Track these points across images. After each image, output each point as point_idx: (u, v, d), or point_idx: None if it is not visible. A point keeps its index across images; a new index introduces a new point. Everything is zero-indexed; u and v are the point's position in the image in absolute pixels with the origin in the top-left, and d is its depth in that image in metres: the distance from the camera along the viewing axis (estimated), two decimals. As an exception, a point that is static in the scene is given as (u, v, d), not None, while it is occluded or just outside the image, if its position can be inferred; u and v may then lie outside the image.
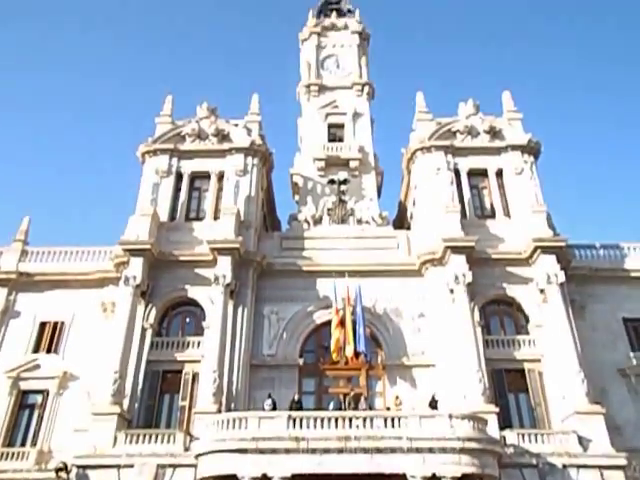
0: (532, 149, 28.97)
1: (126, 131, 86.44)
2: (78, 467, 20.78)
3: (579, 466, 20.14)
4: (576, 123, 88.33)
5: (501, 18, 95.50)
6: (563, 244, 24.92)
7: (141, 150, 29.84)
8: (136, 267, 24.86)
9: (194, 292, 25.44)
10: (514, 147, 28.98)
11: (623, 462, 20.19)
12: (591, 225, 76.06)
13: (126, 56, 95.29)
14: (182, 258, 25.90)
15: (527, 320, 24.72)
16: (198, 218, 28.21)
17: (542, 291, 24.40)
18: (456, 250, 24.93)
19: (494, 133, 29.74)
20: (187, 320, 25.87)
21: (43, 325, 26.17)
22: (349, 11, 42.81)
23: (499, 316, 25.31)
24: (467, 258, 24.74)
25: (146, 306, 25.10)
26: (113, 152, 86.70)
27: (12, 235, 28.78)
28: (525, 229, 25.94)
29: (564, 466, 20.10)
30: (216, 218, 27.59)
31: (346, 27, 39.95)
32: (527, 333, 24.48)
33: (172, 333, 25.40)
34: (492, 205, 28.13)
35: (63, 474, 20.90)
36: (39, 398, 24.59)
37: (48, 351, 25.58)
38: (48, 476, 21.45)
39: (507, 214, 27.53)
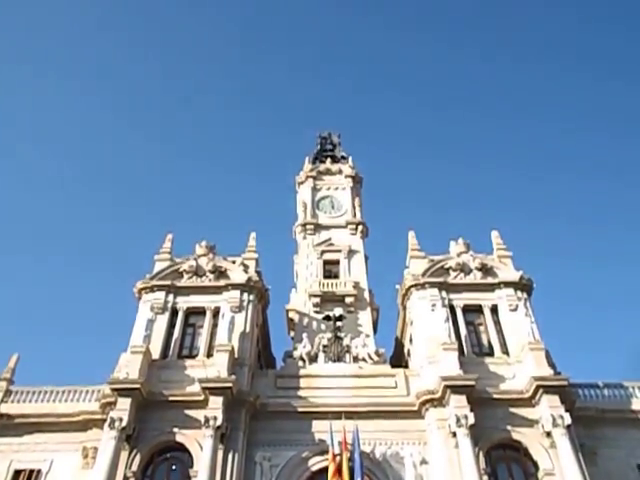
0: (525, 286, 29.43)
1: (120, 268, 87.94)
2: None
3: None
4: (570, 257, 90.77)
5: (488, 151, 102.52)
6: (565, 383, 24.23)
7: (138, 286, 30.12)
8: (123, 408, 23.71)
9: (182, 436, 24.03)
10: (507, 284, 29.45)
11: None
12: (591, 361, 74.74)
13: (125, 195, 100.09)
14: (172, 398, 24.85)
15: (536, 467, 23.16)
16: (191, 355, 27.61)
17: (549, 434, 23.19)
18: (456, 390, 24.14)
19: (486, 270, 30.43)
20: (173, 467, 24.07)
21: (17, 474, 24.24)
22: (343, 157, 46.20)
23: (506, 463, 23.72)
24: (468, 398, 23.87)
25: (130, 451, 23.54)
26: (107, 289, 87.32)
27: (-2, 372, 27.93)
28: (524, 367, 25.40)
29: None
30: (209, 355, 27.03)
31: (340, 172, 42.73)
32: (538, 484, 22.81)
33: (156, 483, 23.53)
34: (489, 342, 27.84)
35: None
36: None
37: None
38: None
39: (505, 351, 27.13)
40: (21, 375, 28.55)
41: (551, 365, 25.32)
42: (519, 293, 29.13)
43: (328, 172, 42.86)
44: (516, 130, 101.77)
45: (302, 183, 42.63)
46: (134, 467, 23.21)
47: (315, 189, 41.36)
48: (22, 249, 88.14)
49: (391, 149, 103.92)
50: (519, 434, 23.74)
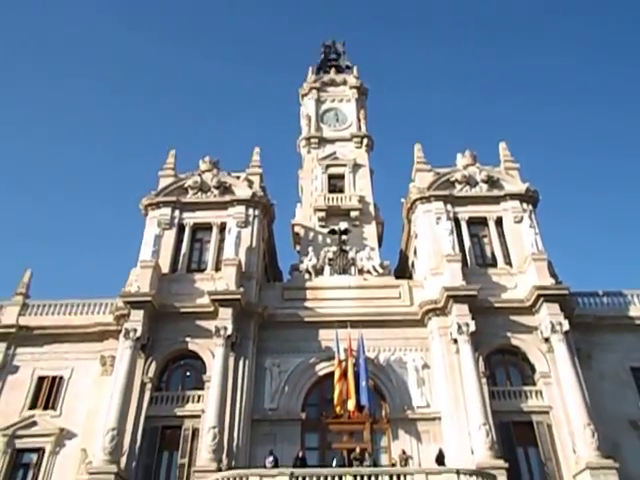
0: (530, 198, 29.30)
1: (128, 184, 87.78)
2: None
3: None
4: (576, 170, 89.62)
5: (497, 69, 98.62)
6: (565, 292, 24.78)
7: (144, 203, 30.22)
8: (137, 319, 24.68)
9: (195, 344, 25.14)
10: (512, 196, 29.31)
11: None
12: (593, 271, 75.89)
13: (128, 111, 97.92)
14: (183, 310, 25.75)
15: (533, 370, 24.28)
16: (200, 269, 28.23)
17: (547, 340, 24.10)
18: (458, 299, 24.79)
19: (492, 182, 30.18)
20: (187, 374, 25.44)
21: (41, 380, 25.74)
22: (347, 67, 44.36)
23: (504, 366, 24.88)
24: (470, 307, 24.56)
25: (146, 360, 24.76)
26: (116, 205, 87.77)
27: (13, 288, 28.85)
28: (527, 277, 25.91)
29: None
30: (217, 269, 27.61)
31: (345, 82, 41.23)
32: (534, 384, 23.98)
33: (172, 387, 24.93)
34: (493, 253, 28.19)
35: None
36: (34, 457, 23.87)
37: (45, 407, 25.05)
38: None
39: (508, 262, 27.53)
40: (36, 290, 29.56)
41: (553, 275, 25.76)
42: (524, 205, 29.07)
43: (332, 83, 41.40)
44: (526, 37, 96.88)
45: (306, 95, 41.33)
46: (150, 374, 24.49)
47: (319, 101, 40.17)
48: (32, 167, 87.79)
49: (396, 59, 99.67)
50: (518, 340, 24.65)
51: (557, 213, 75.45)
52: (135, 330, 24.39)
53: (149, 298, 25.10)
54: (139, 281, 26.05)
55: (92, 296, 28.62)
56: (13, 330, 26.64)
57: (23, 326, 26.81)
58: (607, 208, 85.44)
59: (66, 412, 24.76)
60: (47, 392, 25.43)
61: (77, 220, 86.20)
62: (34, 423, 24.50)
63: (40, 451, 23.90)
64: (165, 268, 27.58)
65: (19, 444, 24.03)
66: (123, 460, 21.93)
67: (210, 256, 28.53)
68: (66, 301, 28.31)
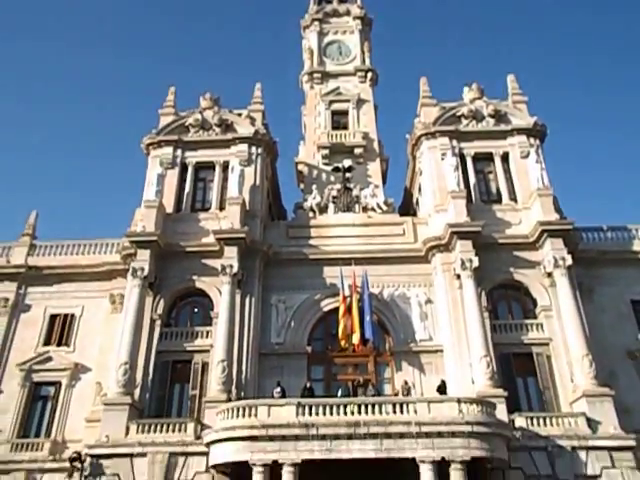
0: (538, 132, 28.74)
1: (132, 123, 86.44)
2: (92, 457, 21.09)
3: (588, 448, 20.19)
4: (582, 106, 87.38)
5: (505, 3, 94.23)
6: (570, 227, 24.79)
7: (145, 142, 29.87)
8: (143, 259, 25.00)
9: (202, 282, 25.56)
10: (520, 130, 28.75)
11: (632, 443, 20.21)
12: (598, 207, 75.56)
13: (127, 49, 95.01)
14: (189, 249, 26.00)
15: (535, 304, 24.69)
16: (204, 209, 28.26)
17: (549, 275, 24.34)
18: (462, 236, 24.87)
19: (499, 117, 29.52)
20: (195, 310, 26.04)
21: (53, 318, 26.47)
22: (351, -4, 42.36)
23: (506, 301, 25.29)
24: (473, 243, 24.67)
25: (154, 297, 25.27)
26: (118, 145, 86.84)
27: (19, 230, 29.13)
28: (531, 213, 25.86)
29: (573, 448, 20.16)
30: (222, 208, 27.63)
31: (348, 13, 39.60)
32: (535, 317, 24.45)
33: (181, 323, 25.58)
34: (498, 189, 27.99)
35: (77, 464, 21.18)
36: (51, 390, 24.95)
37: (59, 344, 25.88)
38: (63, 466, 21.83)
39: (513, 198, 27.39)
40: (42, 232, 29.83)
41: (557, 210, 25.67)
42: (532, 140, 28.56)
43: (335, 13, 39.75)
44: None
45: (307, 27, 39.79)
46: (159, 311, 25.07)
47: (322, 34, 38.73)
48: (33, 112, 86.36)
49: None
50: (521, 275, 24.91)
51: (563, 150, 74.19)
52: (142, 269, 24.75)
53: (154, 238, 25.30)
54: (144, 221, 26.18)
55: (98, 237, 28.92)
56: (22, 270, 27.12)
57: (32, 266, 27.27)
58: (614, 144, 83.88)
59: (79, 348, 25.59)
60: (60, 329, 26.20)
61: (80, 162, 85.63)
62: (49, 358, 25.40)
63: (57, 384, 24.93)
64: (169, 208, 27.62)
65: (36, 378, 25.04)
66: (137, 392, 22.84)
67: (214, 195, 28.47)
68: (73, 241, 28.64)
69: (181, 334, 24.85)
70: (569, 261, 23.90)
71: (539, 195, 25.81)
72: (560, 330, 23.27)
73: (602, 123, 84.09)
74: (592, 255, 25.79)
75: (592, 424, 20.65)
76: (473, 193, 27.57)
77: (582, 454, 20.10)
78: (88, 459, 21.15)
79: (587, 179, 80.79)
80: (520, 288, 25.06)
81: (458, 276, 24.51)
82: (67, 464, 21.42)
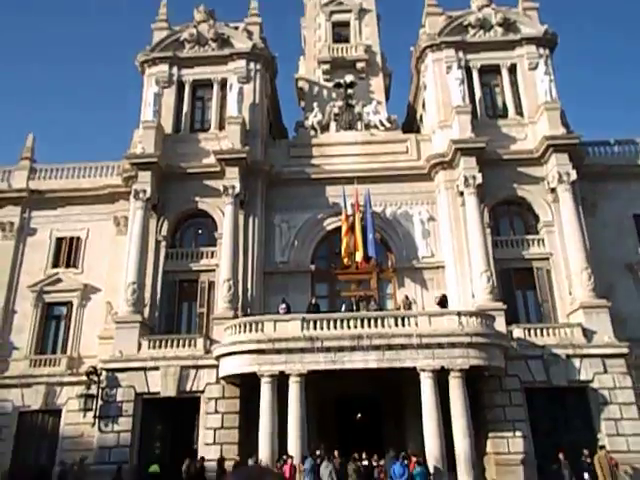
0: (548, 42, 27.49)
1: (126, 42, 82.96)
2: (107, 370, 22.13)
3: (582, 356, 21.01)
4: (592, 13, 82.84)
5: None
6: (576, 141, 24.34)
7: (139, 59, 28.81)
8: (145, 181, 24.91)
9: (204, 204, 25.61)
10: (529, 40, 27.49)
11: (625, 351, 20.99)
12: (609, 118, 73.62)
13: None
14: (190, 170, 25.82)
15: (537, 220, 24.76)
16: (203, 129, 27.74)
17: (553, 190, 24.21)
18: (466, 152, 24.50)
19: (508, 26, 28.13)
20: (199, 231, 26.28)
21: (60, 241, 26.78)
22: None
23: (509, 217, 25.36)
24: (477, 160, 24.36)
25: (158, 219, 25.42)
26: (114, 65, 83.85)
27: (15, 154, 28.83)
28: (538, 127, 25.30)
29: (568, 356, 20.98)
30: (221, 128, 27.11)
31: None
32: (536, 233, 24.60)
33: (186, 244, 25.91)
34: (504, 103, 27.22)
35: (94, 377, 22.28)
36: (64, 310, 25.73)
37: (67, 266, 26.36)
38: (80, 379, 22.92)
39: (519, 112, 26.69)
40: (41, 156, 29.50)
41: (564, 125, 25.09)
42: (541, 50, 27.38)
43: None
44: None
45: None
46: (163, 232, 25.31)
47: (320, -64, 36.09)
48: (24, 32, 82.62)
49: None
50: (524, 191, 24.79)
51: (573, 59, 71.21)
52: (144, 191, 24.72)
53: (155, 159, 25.06)
54: (143, 142, 25.81)
55: (98, 159, 28.67)
56: (24, 194, 27.11)
57: (34, 190, 27.23)
58: (627, 51, 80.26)
59: (87, 270, 26.09)
60: (67, 252, 26.59)
61: (74, 83, 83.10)
62: (59, 280, 25.99)
63: (68, 304, 25.68)
64: (168, 128, 27.12)
65: (48, 299, 25.75)
66: (146, 310, 23.56)
67: (213, 114, 27.86)
68: (73, 164, 28.41)
69: (186, 255, 25.24)
70: (573, 176, 23.68)
71: (546, 109, 25.11)
72: (561, 245, 23.49)
73: (617, 23, 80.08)
74: (597, 170, 25.48)
75: (587, 334, 21.36)
76: (478, 108, 26.85)
77: (576, 361, 20.95)
78: (104, 373, 22.24)
79: (599, 86, 78.09)
80: (523, 204, 25.03)
81: (461, 193, 24.42)
82: (84, 377, 22.53)
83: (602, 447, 18.14)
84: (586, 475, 17.96)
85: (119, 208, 26.68)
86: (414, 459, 17.81)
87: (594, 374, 20.76)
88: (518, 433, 20.07)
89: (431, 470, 17.56)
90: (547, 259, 23.86)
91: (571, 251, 22.82)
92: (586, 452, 18.34)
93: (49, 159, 29.34)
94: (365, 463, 18.70)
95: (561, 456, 18.46)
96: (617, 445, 19.38)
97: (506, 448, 19.89)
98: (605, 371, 20.73)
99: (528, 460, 19.55)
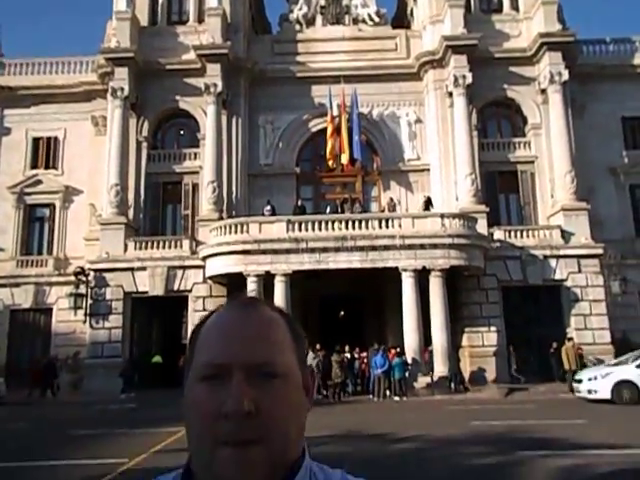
0: None
1: None
2: (95, 271, 22.44)
3: (559, 256, 21.72)
4: None
5: None
6: (571, 39, 23.47)
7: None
8: (121, 77, 23.80)
9: (185, 103, 24.73)
10: None
11: (599, 252, 21.70)
12: (604, 18, 70.64)
13: None
14: (169, 67, 24.63)
15: (525, 122, 24.45)
16: (181, 21, 26.12)
17: (543, 91, 23.69)
18: (457, 50, 23.55)
19: None
20: (181, 133, 25.62)
21: (36, 141, 25.98)
22: None
23: (497, 119, 24.99)
24: (468, 58, 23.49)
25: (138, 119, 24.61)
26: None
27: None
28: (533, 23, 24.22)
29: (545, 257, 21.67)
30: (200, 21, 25.56)
31: None
32: (524, 135, 24.40)
33: (167, 145, 25.34)
34: (500, -2, 25.84)
35: (82, 277, 22.64)
36: (46, 211, 25.54)
37: (47, 167, 25.79)
38: (68, 279, 23.27)
39: (515, 7, 25.39)
40: (8, 50, 27.79)
41: (560, 21, 24.04)
42: None
43: None
44: None
45: None
46: (144, 133, 24.62)
47: None
48: None
49: None
50: (514, 92, 24.23)
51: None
52: (122, 89, 23.70)
53: (131, 54, 23.78)
54: (118, 35, 24.33)
55: (72, 54, 27.10)
56: (-5, 91, 25.83)
57: (4, 86, 25.90)
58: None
59: (68, 171, 25.56)
60: (45, 153, 25.90)
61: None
62: (39, 182, 25.52)
63: (51, 206, 25.44)
64: (144, 21, 25.52)
65: (29, 200, 25.43)
66: (130, 212, 23.48)
67: (191, 5, 26.11)
68: (45, 59, 26.88)
69: (169, 156, 24.77)
70: (565, 76, 23.07)
71: (543, 3, 23.91)
72: (547, 148, 23.41)
73: None
74: (589, 70, 24.76)
75: (565, 235, 21.94)
76: (472, 1, 25.46)
77: (552, 262, 21.69)
78: (92, 273, 22.56)
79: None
80: (512, 106, 24.56)
81: (450, 94, 23.81)
82: (72, 278, 22.88)
83: (570, 339, 19.30)
84: (552, 361, 19.41)
85: (96, 107, 25.66)
86: (393, 351, 18.82)
87: (569, 273, 21.59)
88: (493, 328, 21.17)
89: (409, 361, 18.63)
90: (532, 162, 23.87)
91: (557, 154, 22.79)
92: (555, 345, 19.54)
93: (17, 53, 27.40)
94: (348, 355, 19.77)
95: (511, 348, 20.36)
96: (584, 338, 20.60)
97: (480, 342, 21.06)
98: (579, 271, 21.55)
99: (500, 352, 20.80)
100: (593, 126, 24.37)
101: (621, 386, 14.31)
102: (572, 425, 11.23)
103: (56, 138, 25.91)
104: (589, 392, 14.70)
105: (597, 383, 14.69)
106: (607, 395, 14.23)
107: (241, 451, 0.79)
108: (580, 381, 15.47)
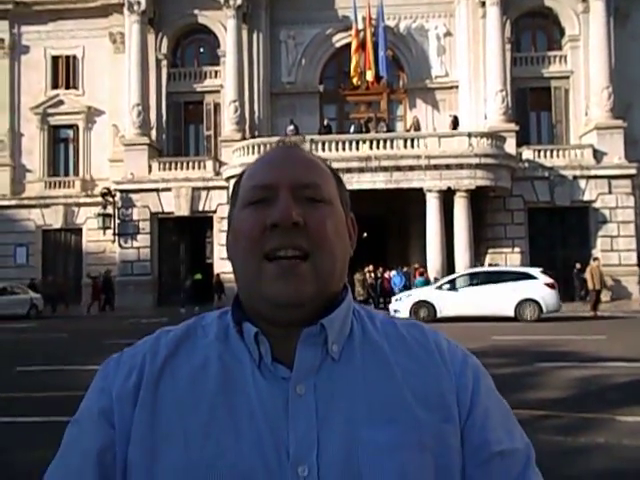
0: None
1: None
2: (120, 192, 22.72)
3: (589, 177, 21.11)
4: None
5: None
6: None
7: None
8: (137, -10, 22.87)
9: (204, 18, 23.81)
10: None
11: (633, 172, 20.99)
12: None
13: None
14: (186, -22, 23.52)
15: (562, 34, 23.01)
16: None
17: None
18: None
19: None
20: (201, 49, 24.90)
21: (56, 60, 25.51)
22: None
23: (532, 31, 23.53)
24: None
25: (156, 35, 23.90)
26: None
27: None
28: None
29: (574, 177, 21.09)
30: None
31: None
32: (560, 48, 23.06)
33: (187, 63, 24.73)
34: None
35: (109, 198, 22.98)
36: (70, 132, 25.55)
37: (67, 87, 25.48)
38: (96, 200, 23.65)
39: None
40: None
41: None
42: None
43: None
44: None
45: None
46: (163, 50, 23.97)
47: None
48: None
49: None
50: (552, 0, 22.60)
51: None
52: (139, 3, 22.89)
53: (146, -36, 22.69)
54: (130, -56, 23.11)
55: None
56: (10, 6, 25.12)
57: (19, 1, 25.13)
58: None
59: (89, 91, 25.24)
60: (65, 72, 25.49)
61: None
62: (61, 102, 25.33)
63: (74, 127, 25.40)
64: None
65: (52, 121, 25.39)
66: (153, 133, 23.38)
67: None
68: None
69: (189, 74, 24.24)
70: (610, -20, 21.36)
71: None
72: (584, 62, 22.12)
73: None
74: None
75: (598, 155, 21.20)
76: None
77: (582, 182, 21.13)
78: (118, 194, 22.87)
79: None
80: (549, 16, 23.02)
81: (482, 3, 22.36)
82: (99, 199, 23.24)
83: (595, 259, 19.12)
84: (576, 282, 19.45)
85: (114, 23, 24.87)
86: (418, 271, 19.01)
87: (598, 194, 21.07)
88: (517, 249, 21.09)
89: (431, 280, 18.83)
90: (567, 77, 22.69)
91: (594, 68, 21.55)
92: (578, 265, 19.46)
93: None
94: (372, 274, 20.06)
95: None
96: (610, 260, 20.41)
97: (503, 262, 21.06)
98: (610, 192, 20.99)
99: (523, 272, 20.82)
100: (636, 36, 22.74)
101: (418, 305, 15.04)
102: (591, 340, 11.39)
103: (75, 57, 25.39)
104: (395, 311, 15.28)
105: (400, 303, 15.57)
106: (407, 314, 14.87)
107: (289, 266, 0.76)
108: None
